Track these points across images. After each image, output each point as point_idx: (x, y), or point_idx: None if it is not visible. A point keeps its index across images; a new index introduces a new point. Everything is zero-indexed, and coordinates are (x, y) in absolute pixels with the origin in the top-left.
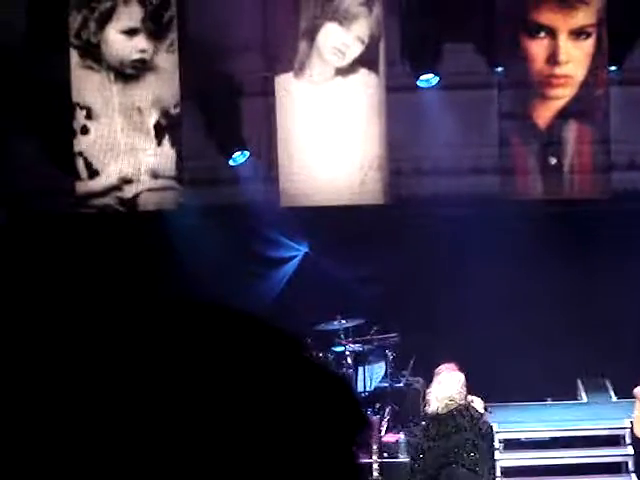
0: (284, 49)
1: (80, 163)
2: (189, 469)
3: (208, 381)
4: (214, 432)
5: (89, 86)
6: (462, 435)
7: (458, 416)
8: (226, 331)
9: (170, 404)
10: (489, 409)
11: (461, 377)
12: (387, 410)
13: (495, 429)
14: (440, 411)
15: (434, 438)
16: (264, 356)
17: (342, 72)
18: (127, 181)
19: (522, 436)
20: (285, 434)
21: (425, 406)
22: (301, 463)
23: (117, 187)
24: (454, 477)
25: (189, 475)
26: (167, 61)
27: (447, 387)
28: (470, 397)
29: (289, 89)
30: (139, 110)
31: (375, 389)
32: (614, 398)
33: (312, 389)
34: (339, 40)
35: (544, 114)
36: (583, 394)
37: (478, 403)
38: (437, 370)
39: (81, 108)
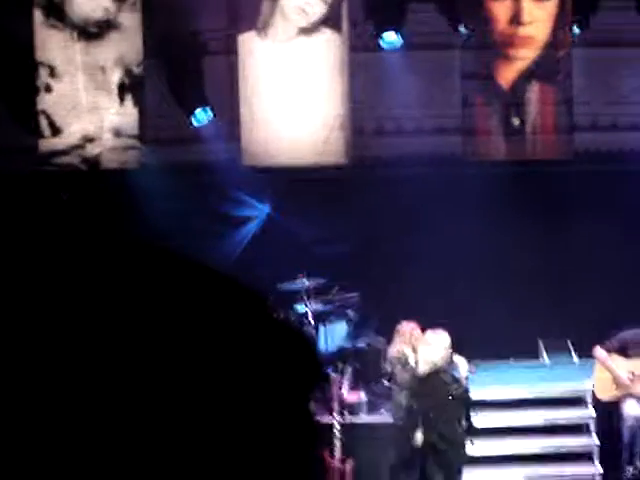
0: (247, 8)
1: (43, 121)
2: (140, 417)
3: (168, 330)
4: (171, 384)
5: (53, 45)
6: (445, 393)
7: (442, 376)
8: (188, 280)
9: (129, 351)
10: (472, 368)
11: (446, 339)
12: (348, 369)
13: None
14: (427, 371)
15: (420, 396)
16: (224, 307)
17: (305, 32)
18: (90, 140)
19: (484, 397)
20: (242, 384)
21: (387, 365)
22: (257, 412)
23: (80, 145)
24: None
25: (142, 421)
26: (130, 20)
27: (434, 349)
28: (456, 358)
29: (252, 48)
30: (102, 69)
31: (337, 349)
32: (576, 359)
33: (270, 341)
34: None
35: (507, 75)
36: (545, 355)
37: (462, 364)
38: (398, 327)
39: (44, 66)
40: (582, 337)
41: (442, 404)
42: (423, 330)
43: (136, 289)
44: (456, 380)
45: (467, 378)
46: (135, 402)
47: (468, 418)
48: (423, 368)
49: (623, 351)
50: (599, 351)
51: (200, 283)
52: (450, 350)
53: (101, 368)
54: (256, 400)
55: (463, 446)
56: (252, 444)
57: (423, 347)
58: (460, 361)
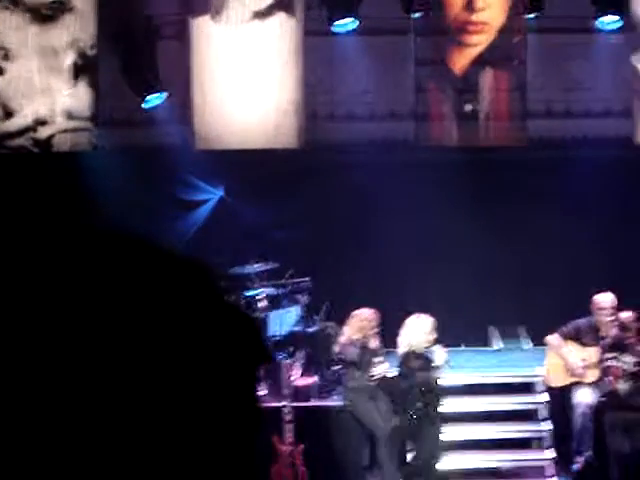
0: None
1: None
2: (89, 393)
3: (120, 308)
4: (120, 360)
5: (6, 27)
6: (416, 377)
7: (415, 360)
8: (141, 261)
9: (79, 325)
10: (449, 361)
11: (427, 324)
12: (300, 354)
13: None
14: (402, 353)
15: (405, 376)
16: (175, 287)
17: (259, 15)
18: (42, 122)
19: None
20: (188, 362)
21: (338, 349)
22: (202, 391)
23: (32, 128)
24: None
25: (88, 397)
26: (84, 2)
27: (411, 332)
28: (435, 347)
29: (206, 32)
30: (55, 51)
31: (288, 333)
32: (527, 345)
33: (217, 321)
34: None
35: (460, 61)
36: (497, 341)
37: (440, 353)
38: (353, 314)
39: None
40: (534, 324)
41: (410, 387)
42: (408, 314)
43: (88, 269)
44: (428, 366)
45: (441, 367)
46: (82, 380)
47: (434, 405)
48: (401, 349)
49: (576, 338)
50: (552, 338)
51: (151, 264)
52: (431, 336)
53: (54, 346)
54: (201, 379)
55: (432, 434)
56: (197, 425)
57: (403, 329)
58: (438, 349)
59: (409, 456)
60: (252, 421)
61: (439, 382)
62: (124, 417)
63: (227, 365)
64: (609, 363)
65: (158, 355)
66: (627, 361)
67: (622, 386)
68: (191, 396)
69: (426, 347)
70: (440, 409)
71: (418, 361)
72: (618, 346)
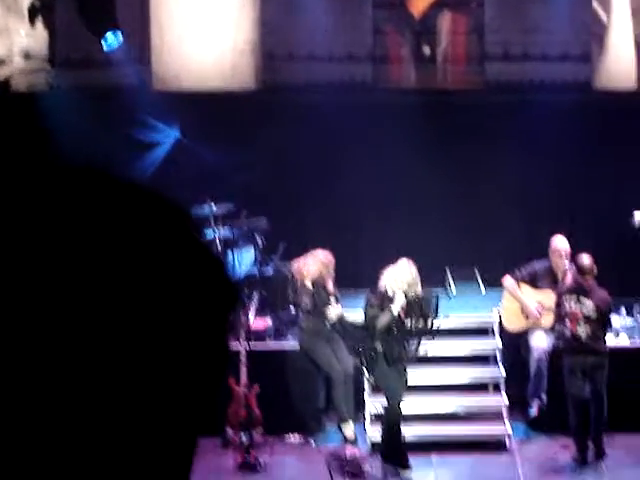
0: None
1: None
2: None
3: (87, 245)
4: (89, 298)
5: None
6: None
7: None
8: (111, 195)
9: (49, 269)
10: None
11: (402, 268)
12: (255, 296)
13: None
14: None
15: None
16: (148, 221)
17: None
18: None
19: None
20: (158, 302)
21: (294, 290)
22: (173, 332)
23: None
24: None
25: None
26: None
27: (395, 273)
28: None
29: None
30: None
31: (243, 275)
32: (483, 289)
33: (191, 260)
34: None
35: (418, 3)
36: (452, 284)
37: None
38: (309, 254)
39: None
40: (490, 267)
41: (372, 328)
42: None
43: (54, 206)
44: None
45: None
46: (49, 317)
47: (397, 347)
48: (388, 290)
49: (532, 282)
50: (508, 281)
51: (122, 199)
52: (415, 278)
53: (20, 286)
54: (172, 319)
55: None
56: (166, 364)
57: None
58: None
59: (369, 398)
60: (220, 365)
61: (400, 324)
62: (88, 357)
63: (199, 307)
64: (568, 306)
65: (127, 295)
66: (587, 305)
67: (582, 330)
68: (160, 337)
69: (410, 287)
70: (403, 350)
71: (385, 303)
72: (578, 290)
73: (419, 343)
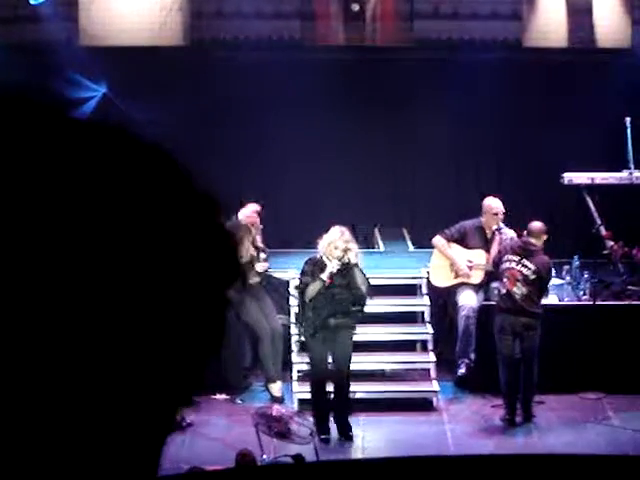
0: None
1: None
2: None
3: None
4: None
5: None
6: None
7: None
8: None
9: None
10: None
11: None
12: None
13: (293, 276)
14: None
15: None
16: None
17: None
18: None
19: None
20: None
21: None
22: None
23: None
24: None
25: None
26: None
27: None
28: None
29: None
30: None
31: None
32: (411, 248)
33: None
34: None
35: None
36: (380, 243)
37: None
38: (241, 209)
39: None
40: (418, 226)
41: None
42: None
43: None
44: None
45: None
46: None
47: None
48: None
49: (462, 241)
50: (437, 239)
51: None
52: (348, 245)
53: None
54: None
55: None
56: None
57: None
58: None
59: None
60: (216, 332)
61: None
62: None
63: (201, 278)
64: (509, 265)
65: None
66: (529, 267)
67: (517, 290)
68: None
69: (332, 258)
70: (331, 319)
71: (317, 271)
72: (521, 251)
73: (348, 311)
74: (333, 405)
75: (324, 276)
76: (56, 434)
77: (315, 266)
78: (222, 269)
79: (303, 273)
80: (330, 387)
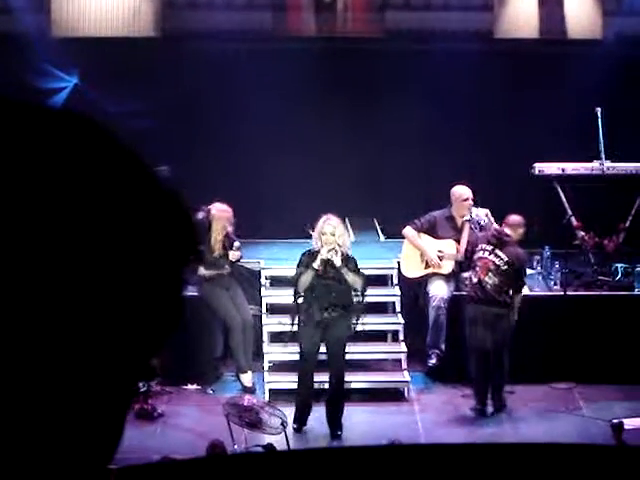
0: None
1: None
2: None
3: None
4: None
5: None
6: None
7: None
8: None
9: None
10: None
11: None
12: None
13: (261, 266)
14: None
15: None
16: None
17: None
18: None
19: (288, 273)
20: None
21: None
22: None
23: None
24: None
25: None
26: None
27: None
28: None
29: None
30: None
31: None
32: (382, 238)
33: (152, 200)
34: None
35: None
36: (351, 233)
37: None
38: (213, 206)
39: None
40: (388, 216)
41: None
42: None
43: None
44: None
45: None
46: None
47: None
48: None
49: (432, 231)
50: (408, 229)
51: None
52: (340, 234)
53: None
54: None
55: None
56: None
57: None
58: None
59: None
60: (173, 312)
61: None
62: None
63: (158, 246)
64: (482, 255)
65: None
66: (501, 257)
67: (489, 280)
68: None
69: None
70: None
71: (310, 261)
72: (497, 241)
73: (341, 303)
74: (328, 398)
75: (315, 264)
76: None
77: (311, 257)
78: (177, 245)
79: (299, 264)
80: (317, 377)
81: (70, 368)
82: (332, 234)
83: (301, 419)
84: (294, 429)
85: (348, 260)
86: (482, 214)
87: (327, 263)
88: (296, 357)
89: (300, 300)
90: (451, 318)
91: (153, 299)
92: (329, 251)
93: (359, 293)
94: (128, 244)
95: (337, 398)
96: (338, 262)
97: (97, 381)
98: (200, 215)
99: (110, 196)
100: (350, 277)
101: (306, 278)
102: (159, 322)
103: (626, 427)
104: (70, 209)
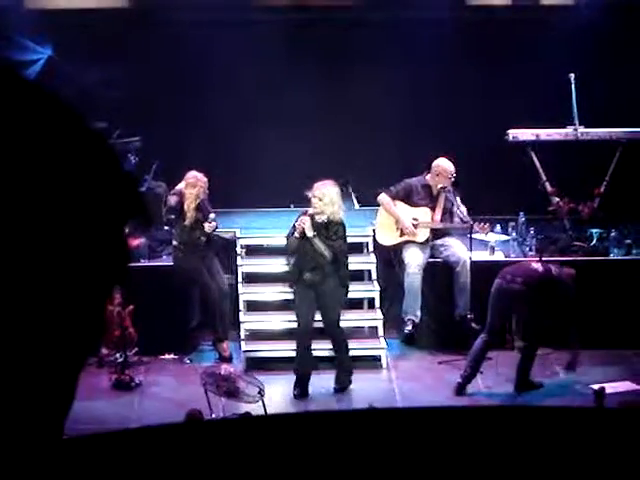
0: None
1: None
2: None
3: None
4: None
5: None
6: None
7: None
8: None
9: None
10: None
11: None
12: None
13: (237, 235)
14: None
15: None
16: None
17: None
18: None
19: (263, 242)
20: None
21: (170, 209)
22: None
23: None
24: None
25: None
26: None
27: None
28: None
29: None
30: None
31: None
32: (357, 206)
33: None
34: None
35: None
36: (355, 201)
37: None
38: (189, 175)
39: None
40: (363, 185)
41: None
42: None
43: None
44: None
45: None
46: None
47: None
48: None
49: (407, 198)
50: (383, 197)
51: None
52: (331, 200)
53: None
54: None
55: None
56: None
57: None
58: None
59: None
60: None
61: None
62: None
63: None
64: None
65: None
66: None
67: None
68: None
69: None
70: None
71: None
72: None
73: (324, 267)
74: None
75: (307, 231)
76: None
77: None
78: (116, 201)
79: (293, 227)
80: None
81: (16, 316)
82: (319, 199)
83: (301, 385)
84: (294, 395)
85: (330, 226)
86: None
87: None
88: (272, 326)
89: (292, 262)
90: (426, 285)
91: (93, 251)
92: (313, 215)
93: (329, 260)
94: (66, 198)
95: (340, 360)
96: (310, 232)
97: (45, 326)
98: (173, 200)
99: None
100: (318, 246)
101: (293, 241)
102: (101, 273)
103: (607, 392)
104: None
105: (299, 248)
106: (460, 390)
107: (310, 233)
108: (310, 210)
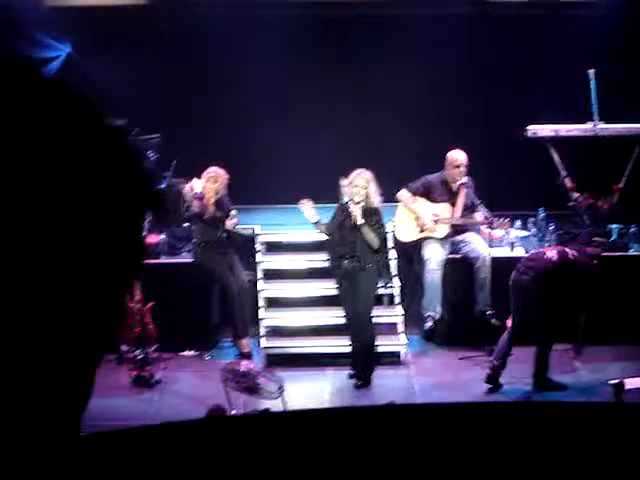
0: None
1: None
2: None
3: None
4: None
5: None
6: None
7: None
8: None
9: None
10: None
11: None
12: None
13: (257, 232)
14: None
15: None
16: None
17: None
18: None
19: (283, 239)
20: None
21: (190, 206)
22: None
23: None
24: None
25: None
26: None
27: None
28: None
29: None
30: None
31: None
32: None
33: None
34: None
35: None
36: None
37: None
38: (208, 171)
39: None
40: (383, 182)
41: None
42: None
43: None
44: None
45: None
46: None
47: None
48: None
49: (427, 194)
50: (402, 193)
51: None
52: (364, 188)
53: None
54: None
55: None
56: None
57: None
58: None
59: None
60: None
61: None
62: None
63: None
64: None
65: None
66: None
67: None
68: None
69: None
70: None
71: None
72: None
73: (359, 255)
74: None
75: (344, 220)
76: None
77: (339, 208)
78: (132, 195)
79: (333, 217)
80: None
81: (31, 311)
82: (363, 187)
83: (359, 375)
84: (355, 386)
85: (370, 213)
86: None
87: (350, 214)
88: (292, 322)
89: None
90: (446, 281)
91: (110, 244)
92: (353, 203)
93: (375, 251)
94: (82, 192)
95: (363, 355)
96: (360, 220)
97: (62, 320)
98: (196, 205)
99: (56, 140)
100: (368, 234)
101: (328, 227)
102: (117, 268)
103: (627, 387)
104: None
105: (338, 235)
106: (491, 380)
107: (361, 221)
108: (355, 198)
